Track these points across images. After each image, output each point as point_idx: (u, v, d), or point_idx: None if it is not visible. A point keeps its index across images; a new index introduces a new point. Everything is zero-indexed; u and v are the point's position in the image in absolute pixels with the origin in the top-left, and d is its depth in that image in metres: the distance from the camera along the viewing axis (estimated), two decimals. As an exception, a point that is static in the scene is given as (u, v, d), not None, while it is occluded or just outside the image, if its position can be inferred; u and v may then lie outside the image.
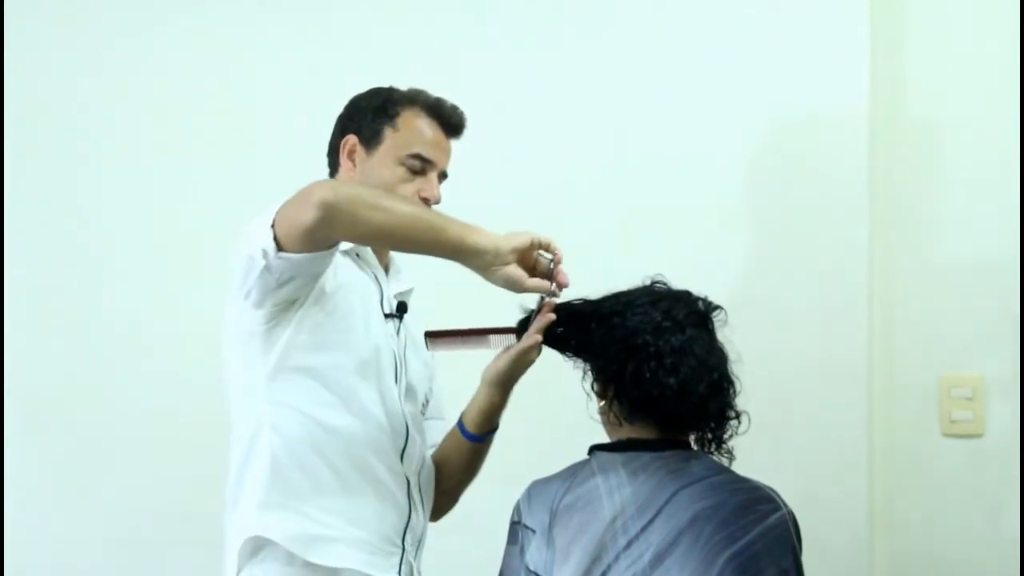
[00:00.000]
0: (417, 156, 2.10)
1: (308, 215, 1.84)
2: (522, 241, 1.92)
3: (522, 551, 1.92)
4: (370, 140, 2.12)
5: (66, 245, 3.05)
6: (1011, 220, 2.57)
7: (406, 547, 2.10)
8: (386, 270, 2.18)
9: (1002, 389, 2.59)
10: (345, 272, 2.07)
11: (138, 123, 3.01)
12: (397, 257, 2.21)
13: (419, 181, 2.10)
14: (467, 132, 2.17)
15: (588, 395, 1.99)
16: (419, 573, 2.16)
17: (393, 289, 2.17)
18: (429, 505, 2.18)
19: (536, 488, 1.97)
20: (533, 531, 1.92)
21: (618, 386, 1.92)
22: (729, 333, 1.97)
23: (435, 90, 2.15)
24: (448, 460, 2.20)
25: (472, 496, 2.21)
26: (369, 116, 2.13)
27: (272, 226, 1.89)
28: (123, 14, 3.04)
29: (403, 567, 2.09)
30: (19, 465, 3.04)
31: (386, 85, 2.18)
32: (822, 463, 2.60)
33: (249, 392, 2.03)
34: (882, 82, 2.62)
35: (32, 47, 3.08)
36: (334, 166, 2.18)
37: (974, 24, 2.62)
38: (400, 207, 1.90)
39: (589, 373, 1.99)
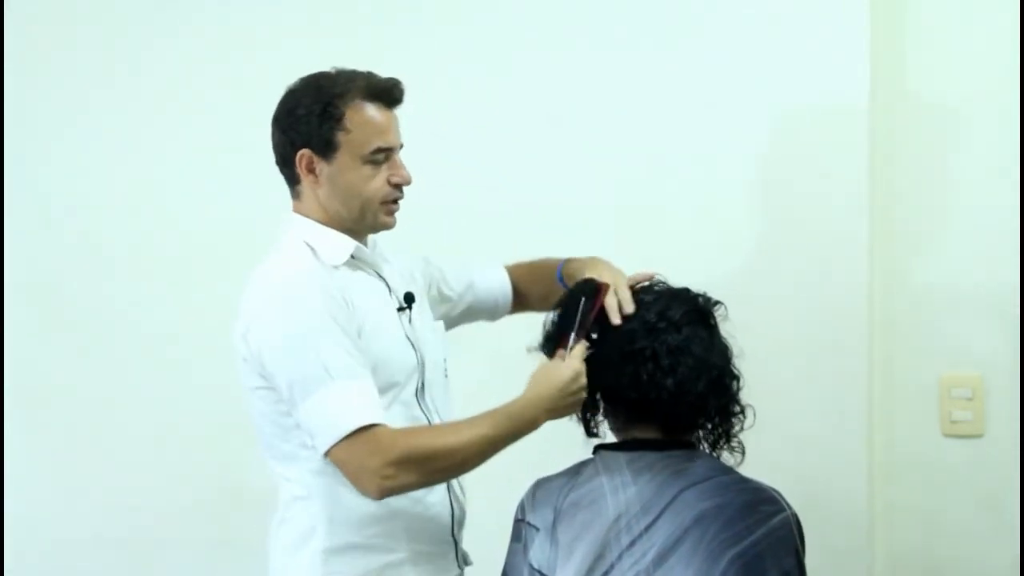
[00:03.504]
0: (377, 150, 2.05)
1: (374, 496, 1.92)
2: (580, 391, 1.95)
3: (525, 548, 1.93)
4: (324, 149, 2.03)
5: (67, 244, 3.05)
6: (1012, 220, 2.57)
7: (457, 539, 2.14)
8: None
9: (1002, 389, 2.59)
10: (353, 291, 2.03)
11: (141, 121, 3.00)
12: (379, 241, 2.18)
13: (385, 169, 2.06)
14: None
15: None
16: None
17: (396, 282, 2.15)
18: (464, 489, 2.19)
19: (540, 486, 1.98)
20: (537, 529, 1.92)
21: (617, 391, 1.93)
22: (731, 329, 1.98)
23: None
24: (529, 292, 2.36)
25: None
26: (314, 123, 2.03)
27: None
28: (123, 14, 3.03)
29: (459, 558, 2.15)
30: (19, 465, 3.03)
31: (309, 74, 2.10)
32: (822, 462, 2.60)
33: (284, 434, 2.02)
34: (882, 80, 2.62)
35: (32, 47, 3.07)
36: (292, 178, 2.09)
37: (975, 22, 2.62)
38: (463, 442, 1.93)
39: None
